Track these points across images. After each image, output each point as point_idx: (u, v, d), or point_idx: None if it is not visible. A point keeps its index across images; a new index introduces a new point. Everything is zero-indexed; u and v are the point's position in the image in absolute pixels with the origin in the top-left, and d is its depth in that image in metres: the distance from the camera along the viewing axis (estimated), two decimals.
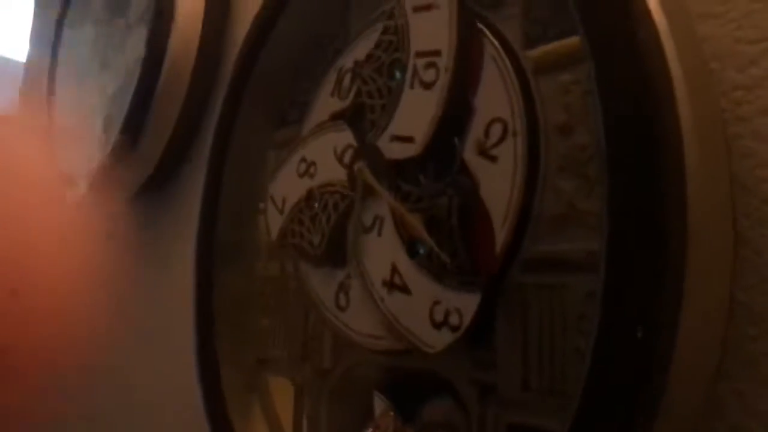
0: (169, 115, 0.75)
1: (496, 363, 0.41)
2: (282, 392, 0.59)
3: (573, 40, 0.39)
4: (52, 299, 0.37)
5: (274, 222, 0.58)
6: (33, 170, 0.41)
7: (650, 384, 0.32)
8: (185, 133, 0.77)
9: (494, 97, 0.43)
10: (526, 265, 0.40)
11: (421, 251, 0.46)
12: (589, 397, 0.33)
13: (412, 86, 0.48)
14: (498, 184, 0.41)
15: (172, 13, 0.74)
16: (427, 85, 0.46)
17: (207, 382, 0.61)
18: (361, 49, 0.54)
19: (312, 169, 0.55)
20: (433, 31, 0.47)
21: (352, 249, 0.51)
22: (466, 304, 0.41)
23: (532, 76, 0.42)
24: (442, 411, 0.45)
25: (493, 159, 0.42)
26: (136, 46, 0.81)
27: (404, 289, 0.46)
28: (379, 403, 0.48)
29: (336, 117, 0.55)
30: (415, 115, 0.47)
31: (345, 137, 0.53)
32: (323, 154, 0.54)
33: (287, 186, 0.57)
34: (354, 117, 0.53)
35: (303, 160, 0.56)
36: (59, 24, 1.04)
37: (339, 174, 0.53)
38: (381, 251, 0.48)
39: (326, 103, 0.56)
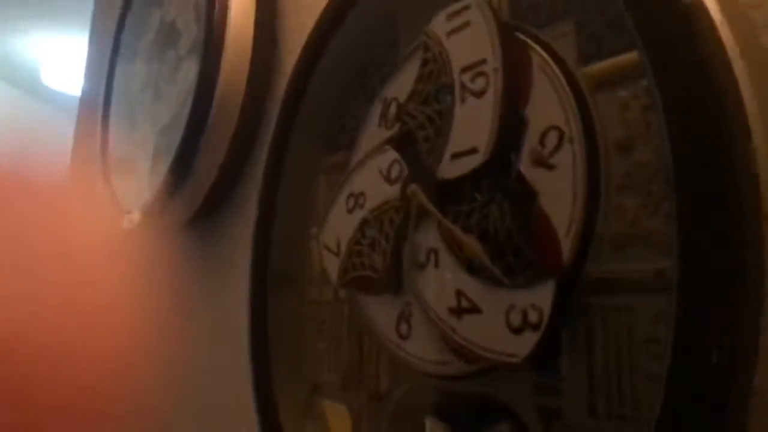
0: (221, 143, 0.76)
1: (559, 388, 0.40)
2: (338, 418, 0.58)
3: (630, 56, 0.38)
4: (104, 333, 0.37)
5: (332, 266, 0.57)
6: (88, 202, 0.42)
7: (729, 411, 0.30)
8: (236, 161, 0.78)
9: (547, 107, 0.42)
10: (590, 286, 0.39)
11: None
12: (666, 424, 0.32)
13: (463, 101, 0.48)
14: (558, 193, 0.40)
15: (221, 43, 0.75)
16: (479, 94, 0.46)
17: (264, 412, 0.61)
18: (402, 85, 0.54)
19: (361, 200, 0.55)
20: (473, 44, 0.47)
21: (407, 282, 0.50)
22: (542, 295, 0.40)
23: (589, 92, 0.41)
24: None
25: (550, 167, 0.41)
26: (187, 77, 0.83)
27: (475, 310, 0.45)
28: (434, 428, 0.48)
29: (384, 145, 0.55)
30: (472, 127, 0.46)
31: (389, 156, 0.53)
32: (370, 181, 0.55)
33: (339, 227, 0.57)
34: (402, 142, 0.53)
35: (350, 195, 0.57)
36: (113, 58, 1.07)
37: (390, 192, 0.53)
38: (441, 282, 0.47)
39: (373, 134, 0.57)
